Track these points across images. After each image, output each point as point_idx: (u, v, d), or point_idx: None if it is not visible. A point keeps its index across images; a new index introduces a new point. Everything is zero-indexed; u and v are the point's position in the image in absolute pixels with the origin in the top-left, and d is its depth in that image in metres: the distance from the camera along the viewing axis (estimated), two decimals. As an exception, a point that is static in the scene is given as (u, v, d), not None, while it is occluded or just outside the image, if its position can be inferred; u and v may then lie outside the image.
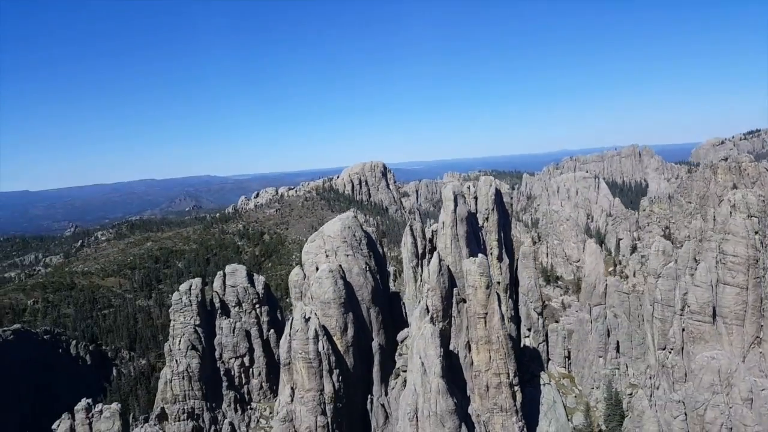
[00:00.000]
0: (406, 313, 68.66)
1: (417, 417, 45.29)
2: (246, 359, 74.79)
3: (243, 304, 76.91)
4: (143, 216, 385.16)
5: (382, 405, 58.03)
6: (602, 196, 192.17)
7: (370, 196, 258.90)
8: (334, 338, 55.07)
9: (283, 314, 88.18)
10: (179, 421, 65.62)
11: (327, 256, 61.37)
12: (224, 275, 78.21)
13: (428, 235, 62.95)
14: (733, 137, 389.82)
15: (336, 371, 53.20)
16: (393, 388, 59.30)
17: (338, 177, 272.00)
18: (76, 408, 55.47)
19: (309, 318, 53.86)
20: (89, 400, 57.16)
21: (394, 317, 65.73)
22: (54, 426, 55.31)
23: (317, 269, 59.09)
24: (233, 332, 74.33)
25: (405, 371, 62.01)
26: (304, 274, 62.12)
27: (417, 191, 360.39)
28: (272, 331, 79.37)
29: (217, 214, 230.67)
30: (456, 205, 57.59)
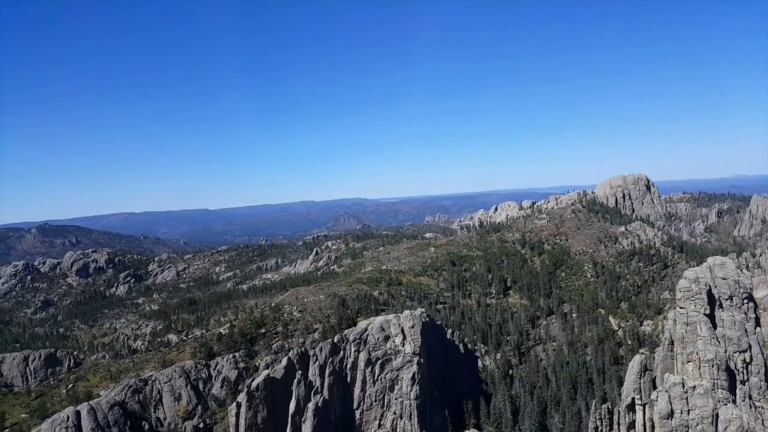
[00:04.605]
0: None
1: None
2: (747, 355, 72.22)
3: (734, 298, 74.85)
4: (312, 234, 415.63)
5: None
6: None
7: (633, 210, 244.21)
8: None
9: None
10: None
11: None
12: (710, 267, 77.33)
13: None
14: None
15: None
16: None
17: (593, 192, 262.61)
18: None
19: None
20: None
21: None
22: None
23: None
24: (734, 325, 72.50)
25: None
26: None
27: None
28: (758, 329, 75.70)
29: (483, 223, 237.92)
30: None
